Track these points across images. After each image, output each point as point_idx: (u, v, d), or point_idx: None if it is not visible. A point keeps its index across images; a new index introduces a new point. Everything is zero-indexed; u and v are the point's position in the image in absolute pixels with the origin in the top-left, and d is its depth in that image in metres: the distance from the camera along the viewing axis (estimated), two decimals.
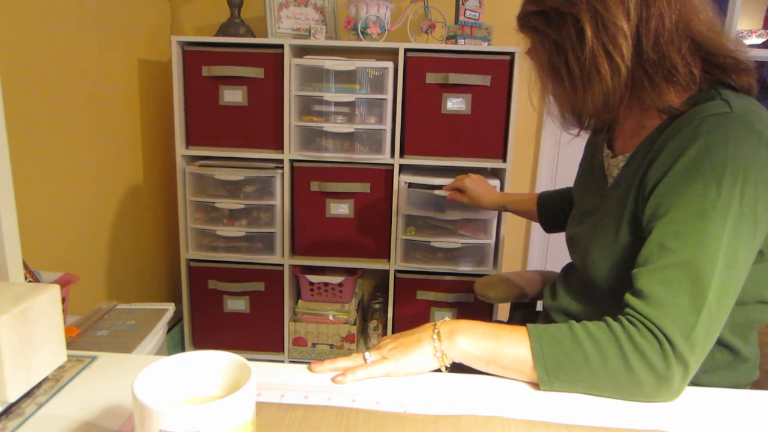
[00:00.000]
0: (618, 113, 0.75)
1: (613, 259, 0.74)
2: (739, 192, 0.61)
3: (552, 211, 1.23)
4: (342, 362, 0.65)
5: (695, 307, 0.60)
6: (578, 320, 0.66)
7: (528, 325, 0.66)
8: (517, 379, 0.65)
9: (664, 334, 0.60)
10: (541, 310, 1.00)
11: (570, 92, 0.72)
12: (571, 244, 0.90)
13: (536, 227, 2.20)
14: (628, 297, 0.65)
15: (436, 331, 0.67)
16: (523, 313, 1.22)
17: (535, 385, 0.64)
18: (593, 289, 0.81)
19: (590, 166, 0.91)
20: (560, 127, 0.82)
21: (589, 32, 0.66)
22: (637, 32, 0.66)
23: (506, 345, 0.64)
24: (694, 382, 0.66)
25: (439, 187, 1.80)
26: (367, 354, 0.66)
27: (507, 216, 1.87)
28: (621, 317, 0.64)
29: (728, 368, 0.76)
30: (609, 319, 0.64)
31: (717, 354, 0.74)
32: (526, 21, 0.74)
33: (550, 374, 0.62)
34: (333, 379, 0.63)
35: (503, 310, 2.21)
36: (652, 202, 0.67)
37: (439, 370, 0.67)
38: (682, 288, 0.61)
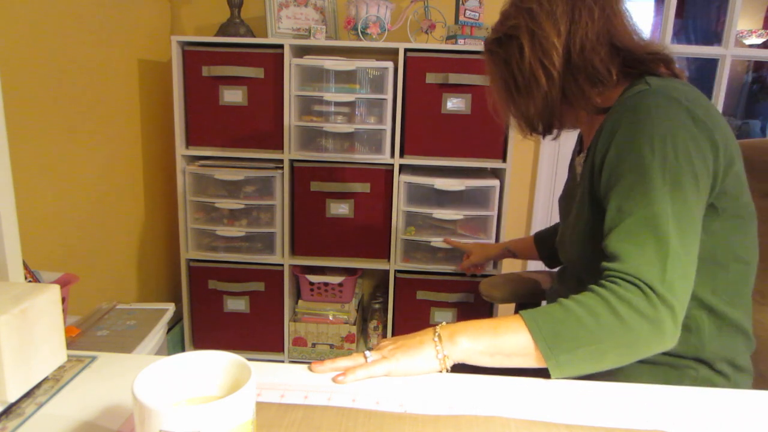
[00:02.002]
0: (563, 117, 0.87)
1: (584, 239, 0.82)
2: (671, 147, 0.70)
3: (550, 245, 1.31)
4: (342, 362, 0.66)
5: (662, 252, 0.67)
6: None
7: (520, 311, 0.70)
8: (524, 366, 0.66)
9: (642, 282, 0.66)
10: None
11: (517, 99, 0.86)
12: (559, 248, 0.98)
13: (535, 228, 2.20)
14: (604, 263, 0.71)
15: (437, 334, 0.69)
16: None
17: (535, 385, 0.64)
18: (580, 278, 0.87)
19: (569, 174, 1.02)
20: (520, 132, 0.92)
21: (527, 49, 0.81)
22: (566, 44, 0.79)
23: (504, 333, 0.68)
24: (699, 359, 0.73)
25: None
26: (367, 353, 0.67)
27: (507, 216, 1.87)
28: (602, 281, 0.70)
29: (721, 335, 0.79)
30: (592, 286, 0.70)
31: (706, 319, 0.78)
32: (487, 46, 0.90)
33: (551, 348, 0.65)
34: (334, 379, 0.63)
35: (503, 310, 2.21)
36: (604, 176, 0.75)
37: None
38: (645, 240, 0.67)
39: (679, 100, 0.73)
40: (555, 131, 0.91)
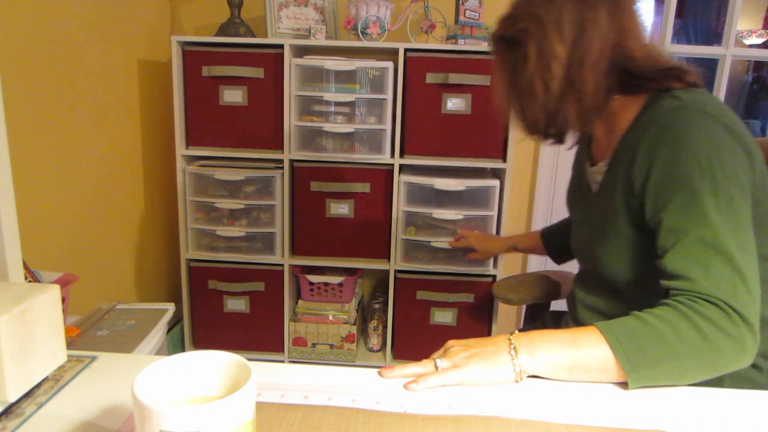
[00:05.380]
0: (565, 125, 0.85)
1: (624, 254, 0.81)
2: (718, 165, 0.69)
3: (559, 242, 1.30)
4: (412, 368, 0.65)
5: (731, 270, 0.66)
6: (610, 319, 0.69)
7: (596, 323, 0.68)
8: (601, 381, 0.65)
9: (720, 300, 0.65)
10: (568, 312, 1.03)
11: (520, 104, 0.85)
12: (577, 253, 0.98)
13: (535, 228, 2.20)
14: (666, 282, 0.70)
15: (512, 346, 0.67)
16: (552, 315, 1.22)
17: (535, 385, 0.64)
18: (612, 286, 0.86)
19: (577, 178, 1.01)
20: (523, 133, 0.91)
21: (530, 60, 0.79)
22: (569, 57, 0.78)
23: (584, 347, 0.65)
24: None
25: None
26: (438, 361, 0.66)
27: (507, 217, 1.87)
28: (675, 298, 0.68)
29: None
30: (668, 301, 0.68)
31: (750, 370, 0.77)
32: (495, 42, 0.87)
33: (633, 364, 0.63)
34: (405, 386, 0.63)
35: (504, 311, 2.21)
36: (650, 197, 0.74)
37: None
38: (710, 259, 0.67)
39: (715, 116, 0.73)
40: (554, 138, 0.90)
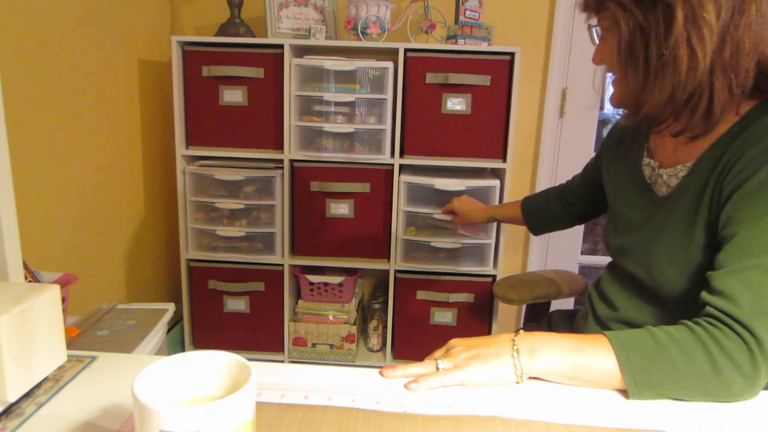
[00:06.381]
0: (670, 115, 0.74)
1: (687, 267, 0.75)
2: None
3: (541, 215, 1.28)
4: (414, 369, 0.65)
5: None
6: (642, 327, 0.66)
7: (606, 333, 0.65)
8: (597, 389, 0.64)
9: (750, 333, 0.60)
10: (588, 315, 0.97)
11: (641, 78, 0.71)
12: (623, 254, 0.89)
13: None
14: (707, 296, 0.65)
15: (515, 347, 0.65)
16: (560, 314, 1.19)
17: (535, 385, 0.64)
18: (660, 297, 0.80)
19: (627, 176, 0.91)
20: (614, 107, 0.81)
21: (679, 21, 0.66)
22: (722, 34, 0.66)
23: (590, 358, 0.63)
24: None
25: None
26: (439, 362, 0.65)
27: None
28: (701, 320, 0.64)
29: None
30: (689, 323, 0.64)
31: None
32: None
33: (638, 384, 0.61)
34: (406, 386, 0.62)
35: (504, 311, 2.21)
36: (731, 206, 0.67)
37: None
38: (763, 288, 0.62)
39: None
40: (649, 127, 0.80)
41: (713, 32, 0.65)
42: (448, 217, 1.66)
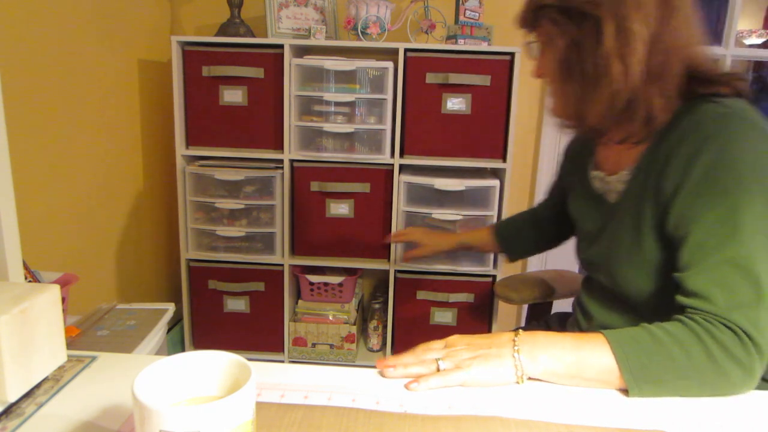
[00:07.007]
0: (612, 124, 0.76)
1: (646, 268, 0.76)
2: (760, 182, 0.65)
3: (519, 242, 1.26)
4: (414, 369, 0.65)
5: (754, 297, 0.63)
6: None
7: (604, 331, 0.65)
8: (597, 388, 0.64)
9: (737, 327, 0.62)
10: (574, 325, 0.98)
11: (579, 90, 0.74)
12: (589, 265, 0.91)
13: None
14: (683, 299, 0.67)
15: (516, 348, 0.65)
16: (558, 316, 1.21)
17: (535, 385, 0.64)
18: (630, 302, 0.81)
19: (581, 190, 0.94)
20: (559, 125, 0.83)
21: (608, 34, 0.69)
22: (650, 43, 0.69)
23: (588, 356, 0.64)
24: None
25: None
26: (440, 362, 0.65)
27: (507, 216, 1.87)
28: (694, 315, 0.65)
29: None
30: (683, 318, 0.66)
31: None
32: (545, 12, 0.75)
33: (637, 379, 0.62)
34: (406, 386, 0.62)
35: (504, 311, 2.21)
36: (678, 207, 0.69)
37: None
38: (735, 283, 0.63)
39: (762, 128, 0.68)
40: (595, 136, 0.82)
41: (642, 42, 0.68)
42: (398, 240, 1.56)
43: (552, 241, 1.24)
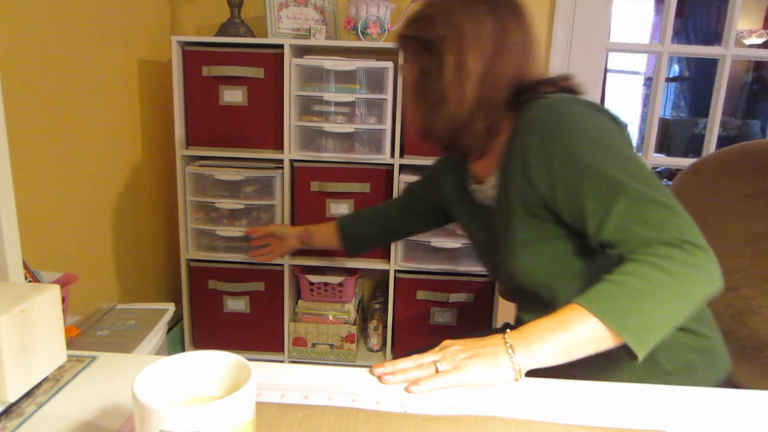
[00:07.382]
0: (464, 140, 0.86)
1: (542, 258, 0.83)
2: (600, 133, 0.74)
3: (361, 240, 1.33)
4: (413, 373, 0.65)
5: (663, 211, 0.69)
6: None
7: (574, 299, 0.69)
8: (598, 350, 0.66)
9: (670, 241, 0.67)
10: None
11: (425, 109, 0.86)
12: (494, 272, 0.99)
13: None
14: (616, 250, 0.71)
15: (508, 345, 0.67)
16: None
17: (535, 385, 0.64)
18: (544, 296, 0.86)
19: (464, 204, 1.01)
20: (419, 136, 0.91)
21: (447, 70, 0.80)
22: (486, 72, 0.80)
23: (572, 326, 0.67)
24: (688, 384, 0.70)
25: None
26: (438, 363, 0.66)
27: None
28: (632, 255, 0.69)
29: (699, 352, 0.83)
30: (626, 256, 0.70)
31: (680, 334, 0.81)
32: (407, 41, 0.87)
33: (620, 323, 0.65)
34: (406, 389, 0.63)
35: (504, 311, 2.21)
36: (562, 195, 0.76)
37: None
38: (642, 212, 0.69)
39: (578, 100, 0.79)
40: (451, 149, 0.91)
41: (475, 76, 0.80)
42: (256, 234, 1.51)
43: (396, 240, 1.36)
